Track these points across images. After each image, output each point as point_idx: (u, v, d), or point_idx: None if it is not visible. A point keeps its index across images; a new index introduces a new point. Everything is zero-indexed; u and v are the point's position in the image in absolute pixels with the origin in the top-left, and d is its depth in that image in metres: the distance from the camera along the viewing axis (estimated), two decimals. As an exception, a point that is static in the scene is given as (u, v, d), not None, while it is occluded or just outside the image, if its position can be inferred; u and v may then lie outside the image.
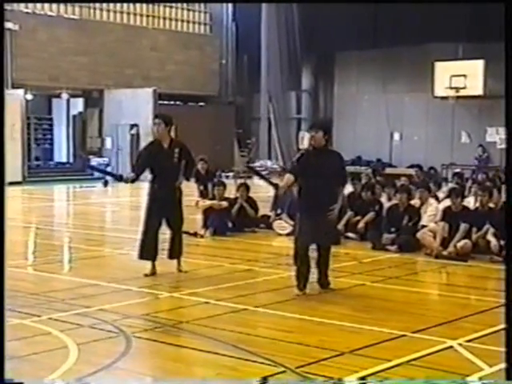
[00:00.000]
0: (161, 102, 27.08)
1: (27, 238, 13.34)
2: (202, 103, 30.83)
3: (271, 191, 12.06)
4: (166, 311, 7.55)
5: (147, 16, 29.55)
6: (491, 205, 11.09)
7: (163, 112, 10.83)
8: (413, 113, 27.44)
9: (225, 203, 13.11)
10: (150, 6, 29.49)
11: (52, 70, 26.15)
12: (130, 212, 18.18)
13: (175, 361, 5.84)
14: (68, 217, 17.74)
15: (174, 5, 30.24)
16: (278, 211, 13.28)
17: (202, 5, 31.33)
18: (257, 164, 27.17)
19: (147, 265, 9.16)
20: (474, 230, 10.78)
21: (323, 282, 8.43)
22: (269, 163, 28.71)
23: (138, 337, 6.42)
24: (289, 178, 8.28)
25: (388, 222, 11.73)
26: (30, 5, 25.86)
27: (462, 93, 24.87)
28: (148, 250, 9.10)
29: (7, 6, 23.45)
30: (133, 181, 9.16)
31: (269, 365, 5.62)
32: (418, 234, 11.19)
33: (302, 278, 8.17)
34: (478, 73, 24.62)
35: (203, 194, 14.33)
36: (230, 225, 13.07)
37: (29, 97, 26.18)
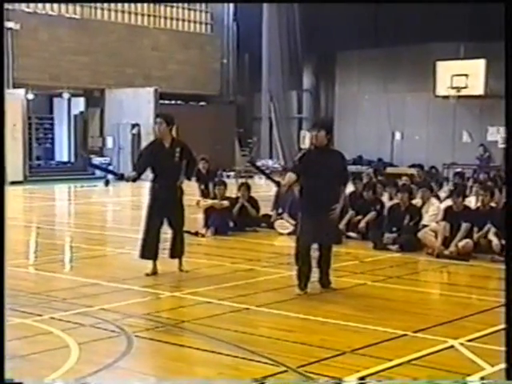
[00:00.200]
0: (162, 101, 27.08)
1: (28, 237, 13.34)
2: (203, 103, 30.83)
3: (272, 190, 12.08)
4: (167, 310, 7.55)
5: (148, 15, 29.56)
6: (493, 204, 11.09)
7: (164, 111, 10.83)
8: (414, 112, 27.44)
9: (226, 203, 13.10)
10: (152, 5, 29.49)
11: (53, 70, 26.15)
12: (131, 211, 18.19)
13: (176, 360, 5.84)
14: (69, 216, 17.75)
15: (175, 4, 30.24)
16: (280, 211, 13.29)
17: (203, 4, 31.33)
18: (258, 164, 27.15)
19: (148, 264, 9.15)
20: (476, 229, 10.77)
21: (324, 281, 8.42)
22: (270, 163, 28.71)
23: (139, 336, 6.42)
24: (291, 176, 8.28)
25: (389, 222, 11.73)
26: (32, 4, 25.86)
27: (464, 92, 24.86)
28: (149, 249, 9.10)
29: (9, 6, 23.50)
30: (134, 180, 9.16)
31: (270, 364, 5.62)
32: (420, 234, 11.19)
33: (304, 278, 8.17)
34: (480, 72, 24.60)
35: (204, 194, 14.34)
36: (231, 224, 13.07)
37: (30, 96, 26.17)
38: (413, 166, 22.61)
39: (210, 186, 14.11)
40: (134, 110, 26.87)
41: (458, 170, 21.06)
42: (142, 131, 26.63)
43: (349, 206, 12.35)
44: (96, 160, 26.44)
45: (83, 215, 16.94)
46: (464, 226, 10.71)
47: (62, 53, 26.27)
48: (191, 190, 12.87)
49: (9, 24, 24.11)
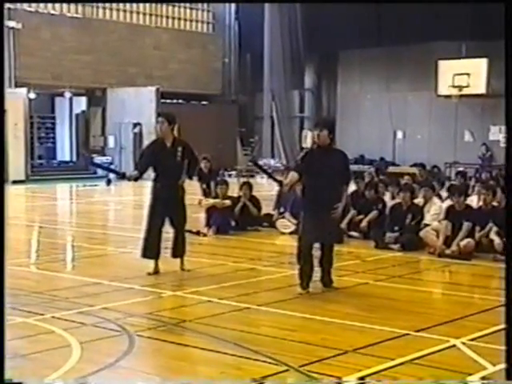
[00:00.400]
0: (164, 100, 27.09)
1: (30, 236, 13.34)
2: (204, 102, 30.82)
3: (274, 190, 12.07)
4: (169, 310, 7.55)
5: (150, 15, 29.56)
6: (495, 203, 11.08)
7: (166, 111, 10.83)
8: (416, 111, 27.42)
9: (228, 202, 13.10)
10: (153, 4, 29.49)
11: (55, 69, 26.16)
12: (132, 211, 18.20)
13: (178, 359, 5.84)
14: (71, 215, 17.75)
15: (177, 4, 30.25)
16: (281, 210, 13.28)
17: (205, 4, 31.32)
18: (260, 163, 27.13)
19: (150, 263, 9.16)
20: (478, 228, 10.77)
21: (326, 280, 8.42)
22: (272, 162, 28.70)
23: (141, 335, 6.42)
24: (293, 175, 8.27)
25: (391, 221, 11.72)
26: (33, 4, 25.88)
27: (466, 91, 24.83)
28: (151, 248, 9.10)
29: (11, 5, 23.51)
30: (136, 179, 9.15)
31: (272, 363, 5.61)
32: (421, 233, 11.19)
33: (305, 277, 8.17)
34: (482, 71, 24.57)
35: (206, 193, 14.35)
36: (233, 223, 13.07)
37: (32, 95, 26.18)
38: (415, 165, 22.65)
39: (212, 185, 14.12)
40: (135, 109, 26.87)
41: (460, 169, 21.06)
42: (143, 130, 26.64)
43: (351, 205, 12.36)
44: (98, 159, 26.46)
45: (85, 214, 16.94)
46: (466, 225, 10.70)
47: (63, 52, 26.28)
48: (193, 189, 12.89)
49: (11, 23, 24.14)
